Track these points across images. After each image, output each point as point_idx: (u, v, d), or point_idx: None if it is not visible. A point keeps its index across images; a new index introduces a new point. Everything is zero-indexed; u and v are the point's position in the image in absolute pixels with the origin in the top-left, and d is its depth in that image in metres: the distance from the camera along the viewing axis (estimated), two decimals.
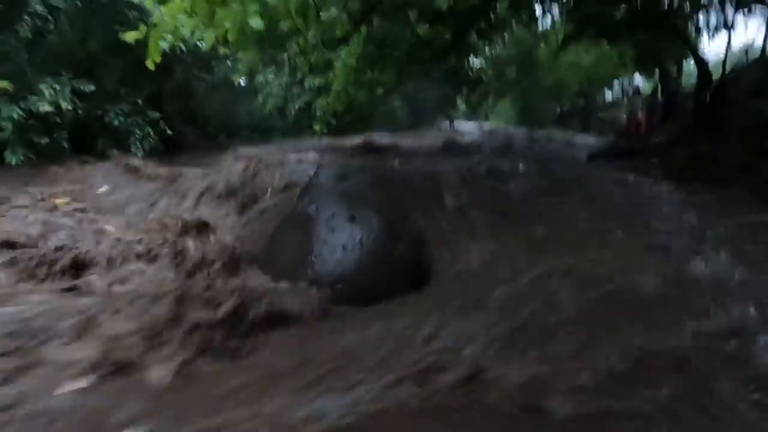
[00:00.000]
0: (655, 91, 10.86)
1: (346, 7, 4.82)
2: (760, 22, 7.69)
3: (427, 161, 5.73)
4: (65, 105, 7.51)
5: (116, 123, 8.67)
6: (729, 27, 7.93)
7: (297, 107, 12.03)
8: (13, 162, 7.40)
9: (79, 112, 8.00)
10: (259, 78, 11.61)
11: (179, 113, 10.80)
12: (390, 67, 7.98)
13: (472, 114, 24.95)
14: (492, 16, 8.05)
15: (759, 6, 7.46)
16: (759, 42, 7.71)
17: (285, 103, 12.16)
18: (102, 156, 7.80)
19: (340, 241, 3.29)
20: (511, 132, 13.96)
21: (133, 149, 8.64)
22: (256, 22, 2.88)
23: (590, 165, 6.68)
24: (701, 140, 5.31)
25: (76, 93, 7.94)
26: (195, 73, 10.74)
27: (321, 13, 4.14)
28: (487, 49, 16.19)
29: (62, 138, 7.87)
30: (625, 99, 15.20)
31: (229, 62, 11.46)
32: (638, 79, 13.49)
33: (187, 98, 10.86)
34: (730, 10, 7.70)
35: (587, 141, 10.91)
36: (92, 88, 8.18)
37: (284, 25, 3.69)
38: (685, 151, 5.29)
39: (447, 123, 15.44)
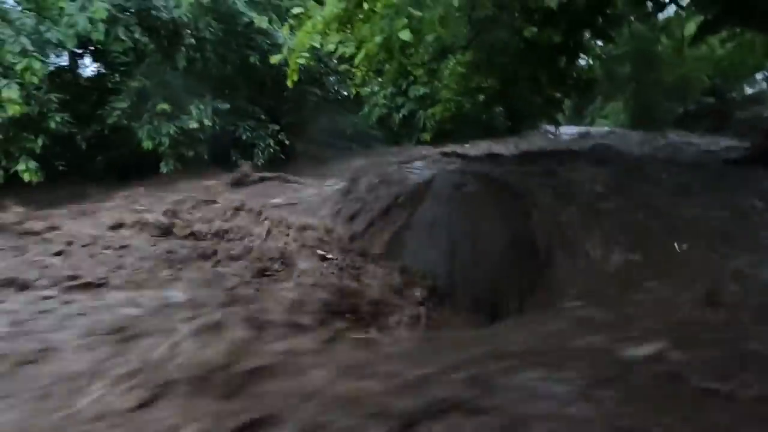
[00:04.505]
0: None
1: (471, 16, 4.94)
2: None
3: (540, 167, 5.54)
4: (207, 122, 8.75)
5: (244, 137, 9.82)
6: None
7: (401, 116, 12.40)
8: (165, 171, 8.82)
9: (216, 128, 9.21)
10: (365, 89, 12.20)
11: (291, 126, 11.82)
12: (495, 74, 7.86)
13: (577, 117, 23.34)
14: (609, 11, 7.49)
15: None
16: None
17: (389, 114, 12.60)
18: (234, 166, 8.86)
19: (465, 250, 3.37)
20: (625, 135, 12.80)
21: (255, 159, 9.68)
22: (405, 35, 3.08)
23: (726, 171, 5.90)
24: None
25: (215, 111, 9.17)
26: (307, 88, 11.65)
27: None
28: (597, 48, 15.09)
29: (204, 151, 9.15)
30: None
31: (336, 77, 12.30)
32: None
33: (299, 112, 11.83)
34: None
35: (722, 143, 9.60)
36: (227, 106, 9.38)
37: (429, 36, 3.88)
38: None
39: (551, 128, 14.64)
